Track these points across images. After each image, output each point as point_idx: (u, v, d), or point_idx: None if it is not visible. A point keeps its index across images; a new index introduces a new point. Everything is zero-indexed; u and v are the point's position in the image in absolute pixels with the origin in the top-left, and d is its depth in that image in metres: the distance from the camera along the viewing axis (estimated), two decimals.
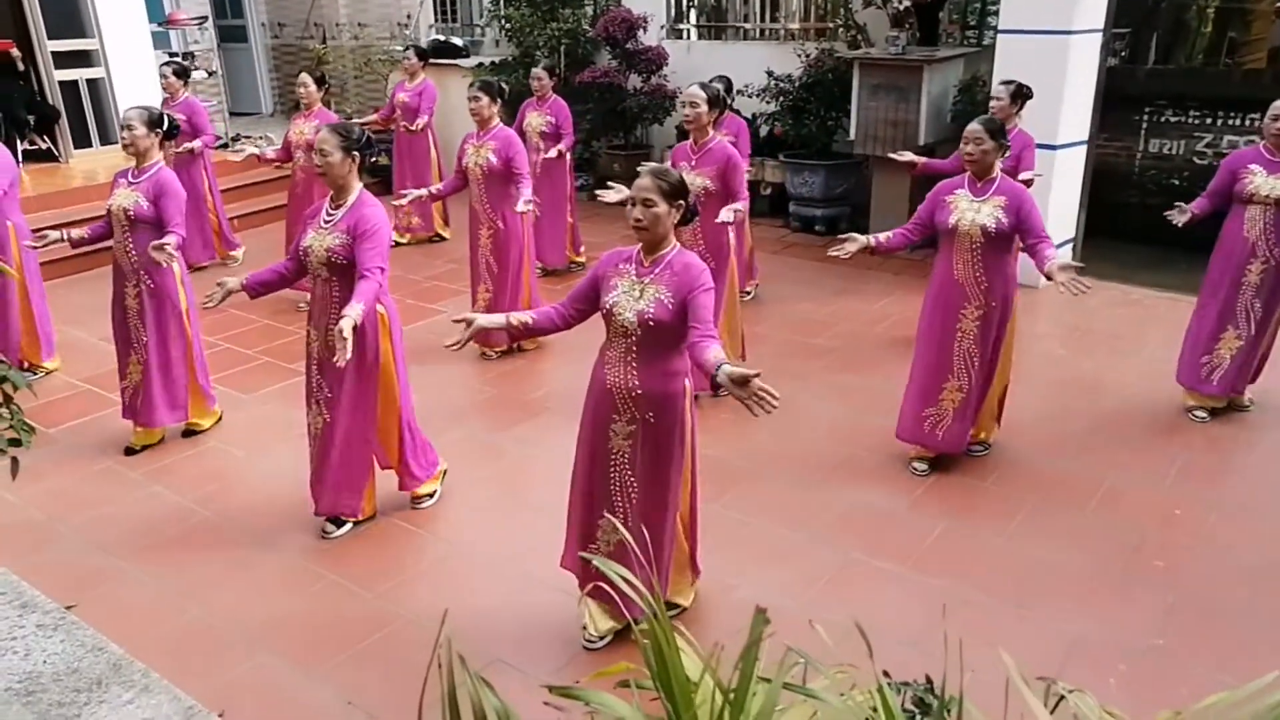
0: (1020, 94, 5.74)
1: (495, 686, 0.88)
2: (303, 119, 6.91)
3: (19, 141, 9.46)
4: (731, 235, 5.18)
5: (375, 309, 3.83)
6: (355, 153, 3.78)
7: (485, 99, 5.69)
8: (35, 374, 5.75)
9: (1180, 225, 4.87)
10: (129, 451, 4.88)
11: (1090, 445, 4.78)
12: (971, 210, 4.20)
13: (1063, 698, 1.05)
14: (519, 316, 3.26)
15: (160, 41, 10.83)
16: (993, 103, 5.77)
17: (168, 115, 4.85)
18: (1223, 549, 3.92)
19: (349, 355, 3.43)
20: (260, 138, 10.06)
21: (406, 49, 8.45)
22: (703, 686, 0.90)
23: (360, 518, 4.16)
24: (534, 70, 7.40)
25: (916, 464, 4.56)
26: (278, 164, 7.20)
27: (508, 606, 3.64)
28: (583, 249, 7.76)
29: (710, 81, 5.34)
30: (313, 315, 3.94)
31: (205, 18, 11.68)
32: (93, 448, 4.95)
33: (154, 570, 3.89)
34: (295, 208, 6.80)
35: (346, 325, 3.42)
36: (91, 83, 9.68)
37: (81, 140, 9.70)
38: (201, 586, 3.78)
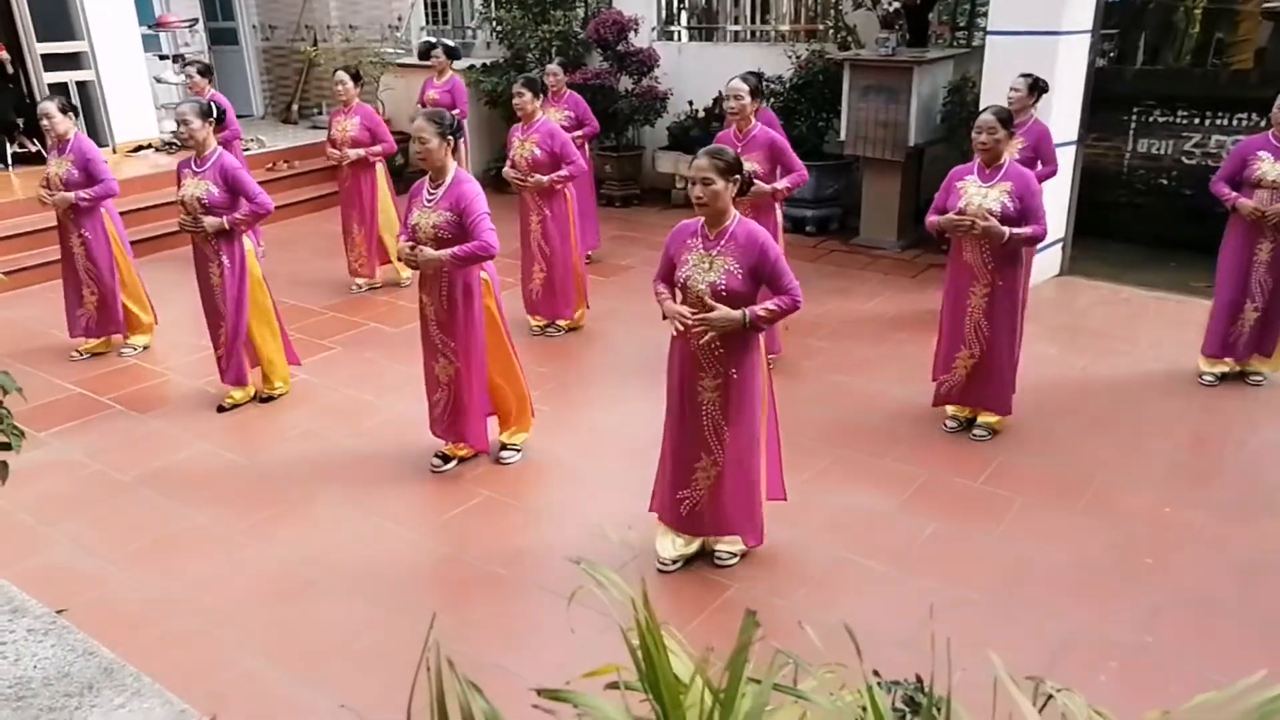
0: (1037, 86, 5.84)
1: (490, 690, 0.89)
2: (343, 115, 7.08)
3: (8, 144, 9.44)
4: (779, 216, 5.51)
5: (479, 274, 4.29)
6: (449, 137, 4.14)
7: (528, 94, 6.06)
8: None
9: (1234, 206, 5.13)
10: (220, 409, 5.34)
11: (1079, 444, 4.81)
12: (979, 195, 4.48)
13: (1051, 697, 1.06)
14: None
15: (150, 44, 10.79)
16: (1011, 93, 5.86)
17: (215, 104, 5.17)
18: (1213, 546, 3.95)
19: (431, 257, 4.11)
20: (251, 140, 10.03)
21: (436, 45, 8.48)
22: (693, 688, 0.90)
23: (477, 451, 4.65)
24: (548, 67, 7.52)
25: (949, 421, 4.96)
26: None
27: (504, 608, 3.64)
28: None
29: (746, 74, 5.61)
30: (424, 282, 4.39)
31: (196, 20, 11.65)
32: (84, 451, 4.93)
33: (146, 573, 3.88)
34: (346, 200, 7.30)
35: (441, 253, 4.09)
36: (81, 85, 9.64)
37: None
38: (194, 589, 3.77)
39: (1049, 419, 5.08)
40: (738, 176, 3.37)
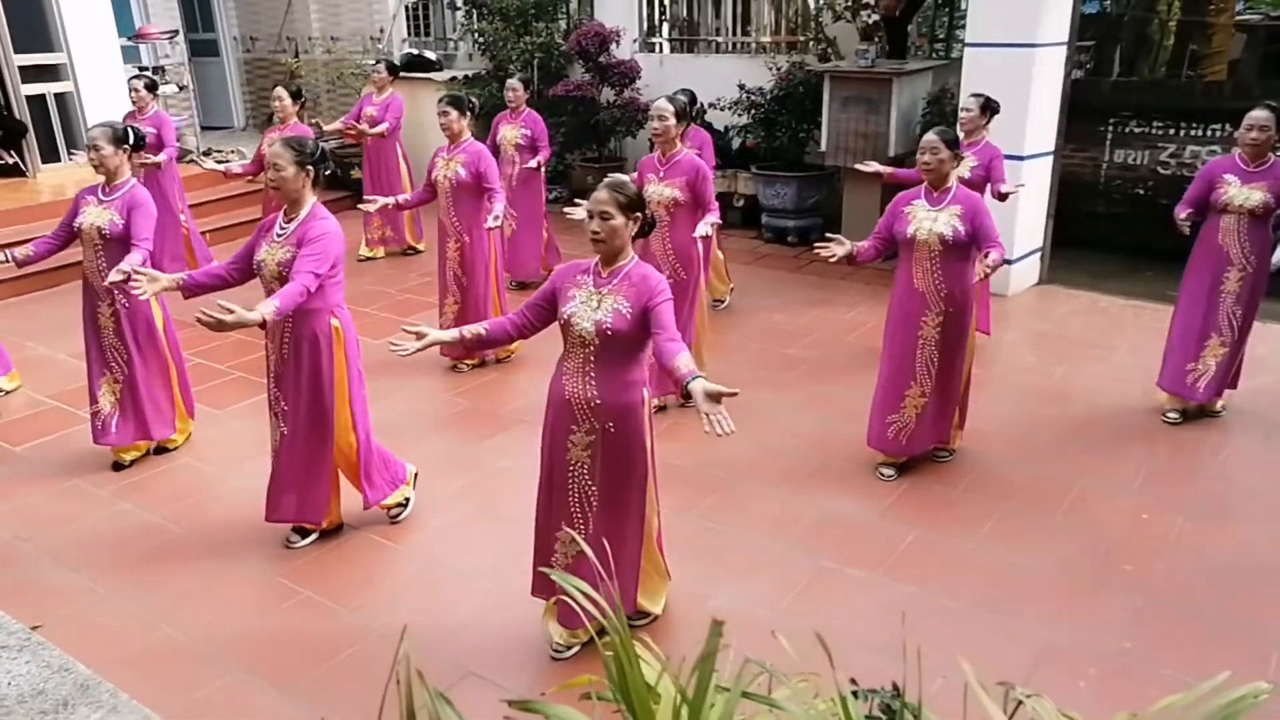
0: (989, 106, 5.84)
1: (467, 701, 0.89)
2: (277, 132, 6.92)
3: None
4: (700, 247, 5.22)
5: (330, 323, 3.84)
6: (310, 167, 3.77)
7: (454, 113, 5.70)
8: None
9: (1189, 230, 5.00)
10: (117, 466, 4.82)
11: (1059, 451, 4.84)
12: (929, 220, 4.29)
13: (1020, 703, 1.07)
14: (472, 329, 3.33)
15: (130, 56, 10.74)
16: (962, 114, 5.87)
17: (133, 128, 4.81)
18: (1190, 552, 3.98)
19: (228, 321, 3.28)
20: (232, 151, 10.00)
21: (378, 62, 8.44)
22: (665, 697, 0.91)
23: (323, 528, 4.15)
24: (509, 82, 7.41)
25: (884, 469, 4.62)
26: (249, 178, 7.19)
27: (481, 620, 3.63)
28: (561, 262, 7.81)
29: (676, 94, 5.38)
30: (268, 329, 3.84)
31: (176, 31, 11.59)
32: (59, 465, 4.89)
33: (123, 588, 3.84)
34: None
35: (254, 316, 3.39)
36: (60, 97, 9.58)
37: (49, 155, 9.59)
38: (172, 604, 3.74)
39: (1028, 427, 5.12)
40: (639, 214, 3.11)
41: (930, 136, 4.29)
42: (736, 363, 5.85)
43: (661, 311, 3.01)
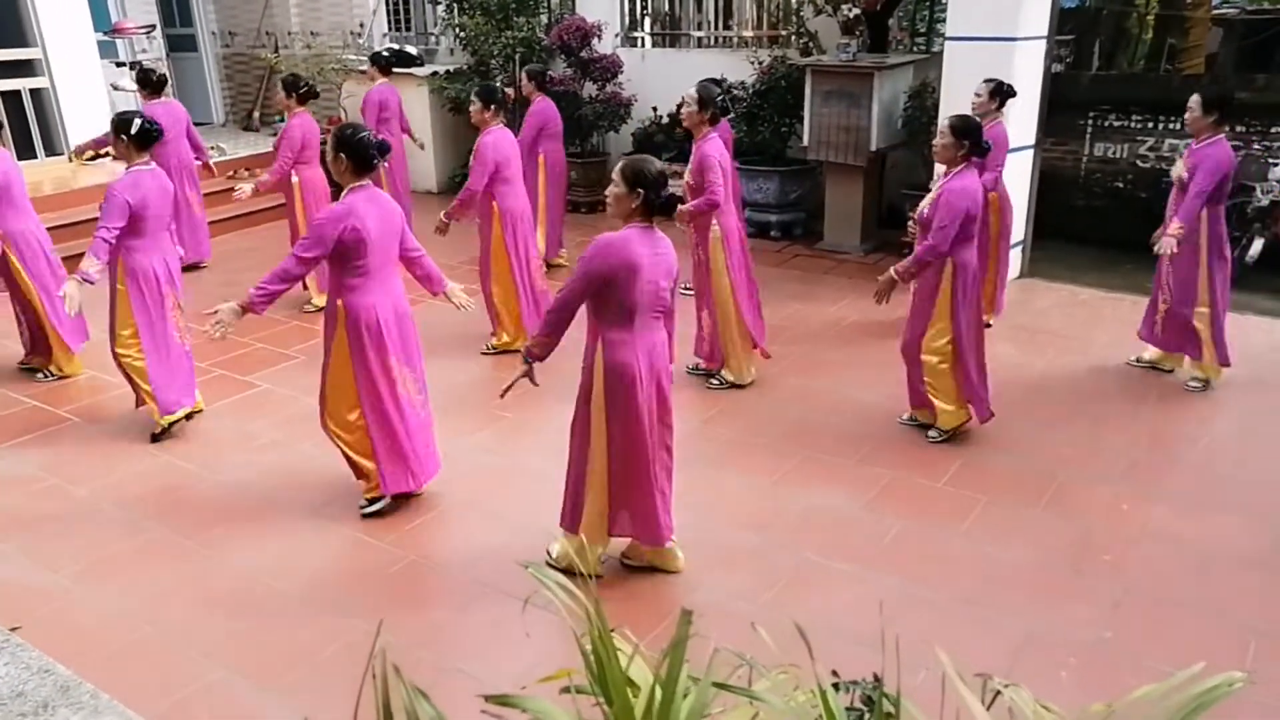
0: (1000, 91, 5.92)
1: (453, 694, 0.89)
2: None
3: None
4: (720, 233, 5.36)
5: (336, 301, 4.02)
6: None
7: (478, 104, 5.94)
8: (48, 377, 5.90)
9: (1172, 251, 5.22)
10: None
11: (1040, 444, 4.88)
12: (925, 202, 4.70)
13: (999, 693, 1.08)
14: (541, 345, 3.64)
15: (106, 50, 10.62)
16: (974, 99, 5.92)
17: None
18: (1169, 542, 4.02)
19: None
20: (213, 148, 9.90)
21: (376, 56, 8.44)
22: (643, 690, 0.91)
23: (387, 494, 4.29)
24: (524, 71, 7.67)
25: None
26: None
27: (468, 614, 3.62)
28: (563, 251, 7.91)
29: (704, 82, 5.57)
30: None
31: (153, 26, 11.49)
32: (37, 465, 4.84)
33: (103, 588, 3.82)
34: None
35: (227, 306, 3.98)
36: (35, 93, 9.47)
37: (25, 151, 9.46)
38: (153, 603, 3.71)
39: (1010, 419, 5.14)
40: (640, 190, 3.40)
41: (942, 121, 4.64)
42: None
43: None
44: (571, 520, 3.73)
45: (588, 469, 3.65)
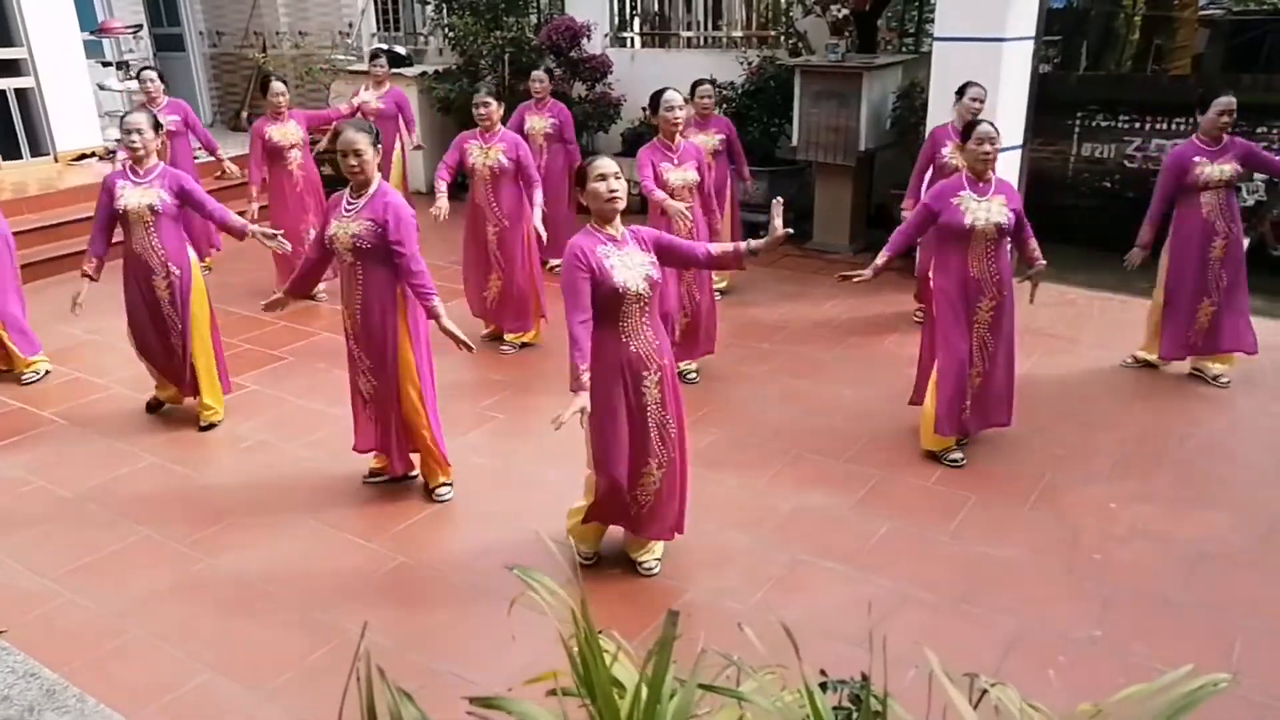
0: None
1: (441, 696, 0.88)
2: (272, 125, 7.11)
3: None
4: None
5: (396, 289, 4.15)
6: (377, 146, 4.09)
7: (494, 104, 5.98)
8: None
9: (1138, 264, 5.41)
10: (205, 428, 5.18)
11: (1028, 443, 4.89)
12: (984, 210, 4.46)
13: (985, 691, 1.08)
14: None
15: (93, 50, 10.56)
16: (974, 104, 5.93)
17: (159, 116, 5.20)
18: (1157, 540, 4.04)
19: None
20: (199, 148, 9.84)
21: (377, 55, 8.44)
22: (629, 690, 0.91)
23: (407, 473, 4.48)
24: (534, 74, 7.60)
25: (953, 455, 4.66)
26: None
27: (459, 616, 3.61)
28: None
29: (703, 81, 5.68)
30: (342, 295, 4.26)
31: (140, 26, 11.43)
32: (23, 468, 4.81)
33: (90, 591, 3.79)
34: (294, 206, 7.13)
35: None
36: (21, 93, 9.41)
37: (11, 152, 9.43)
38: (140, 606, 3.69)
39: None
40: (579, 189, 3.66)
41: (989, 128, 4.43)
42: (712, 356, 5.85)
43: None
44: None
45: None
